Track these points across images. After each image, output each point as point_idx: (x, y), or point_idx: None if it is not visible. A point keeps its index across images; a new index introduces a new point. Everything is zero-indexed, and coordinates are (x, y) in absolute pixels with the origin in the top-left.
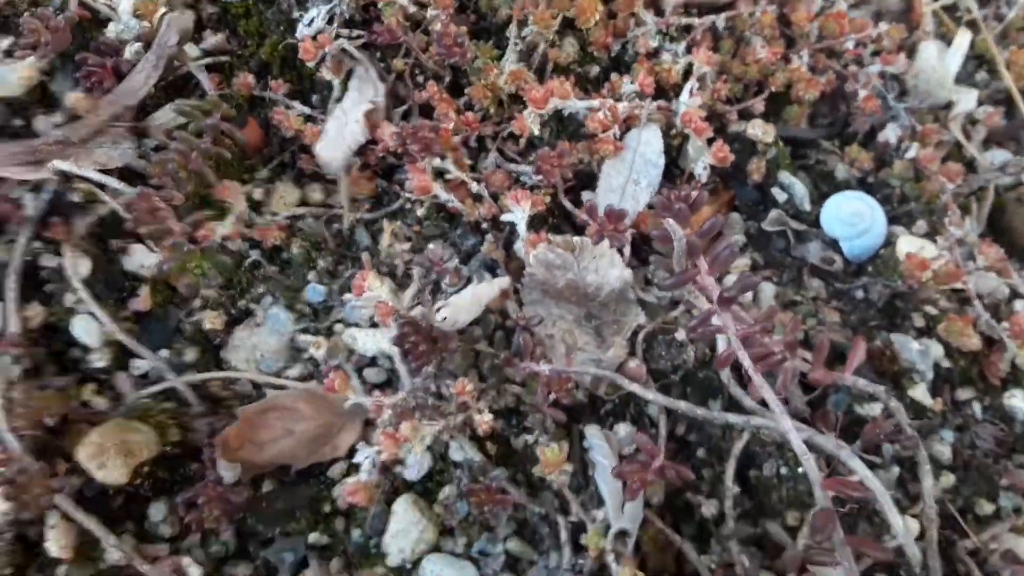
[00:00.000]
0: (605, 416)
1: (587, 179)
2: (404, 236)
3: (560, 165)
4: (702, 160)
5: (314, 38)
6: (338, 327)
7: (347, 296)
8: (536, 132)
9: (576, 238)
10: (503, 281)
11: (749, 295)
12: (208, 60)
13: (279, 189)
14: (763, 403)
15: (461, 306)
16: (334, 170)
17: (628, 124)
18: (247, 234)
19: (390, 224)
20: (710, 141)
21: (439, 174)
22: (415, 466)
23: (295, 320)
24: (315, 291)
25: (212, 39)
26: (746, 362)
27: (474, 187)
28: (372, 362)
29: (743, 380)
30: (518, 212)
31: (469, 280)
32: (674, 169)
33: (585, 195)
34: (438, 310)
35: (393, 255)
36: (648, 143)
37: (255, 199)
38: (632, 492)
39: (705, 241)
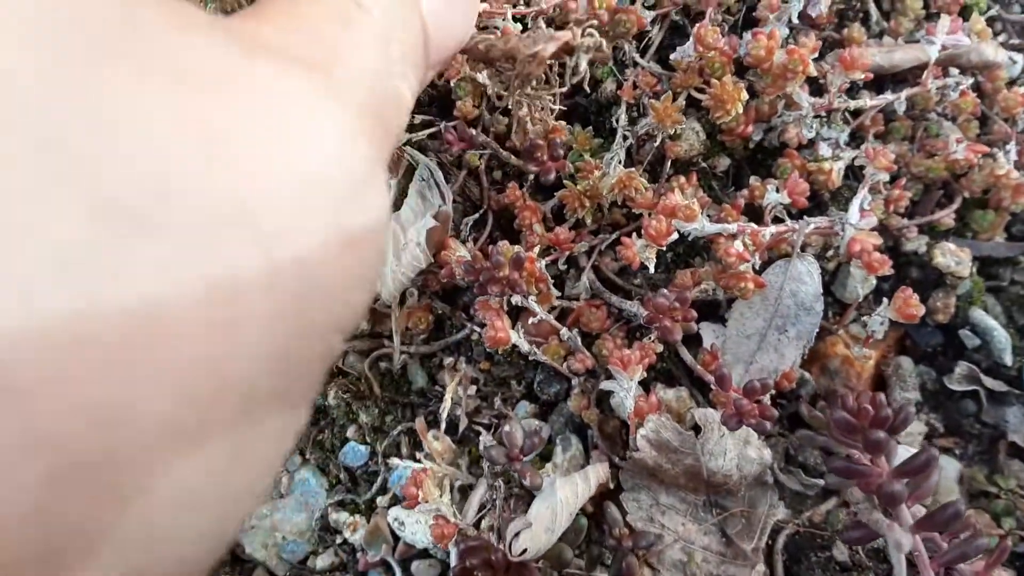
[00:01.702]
0: None
1: (710, 306)
2: (469, 377)
3: (683, 318)
4: (878, 316)
5: None
6: (381, 499)
7: (394, 461)
8: (651, 269)
9: (699, 412)
10: (600, 472)
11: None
12: None
13: None
14: None
15: (544, 523)
16: (384, 298)
17: (771, 246)
18: None
19: (451, 361)
20: (886, 277)
21: (517, 310)
22: None
23: (329, 489)
24: (355, 452)
25: None
26: None
27: (564, 333)
28: (423, 553)
29: None
30: (623, 380)
31: (551, 441)
32: (824, 296)
33: (706, 331)
34: (515, 536)
35: (456, 401)
36: (800, 280)
37: None
38: None
39: (908, 476)
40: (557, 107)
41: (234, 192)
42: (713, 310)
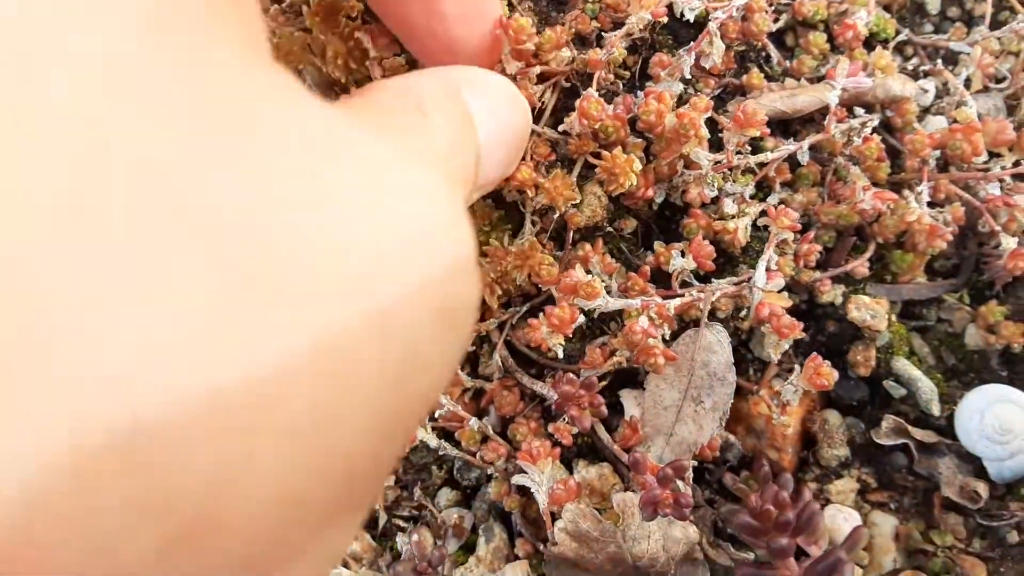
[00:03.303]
0: None
1: (629, 373)
2: None
3: (591, 404)
4: (791, 385)
5: None
6: None
7: None
8: (561, 353)
9: (617, 498)
10: (520, 573)
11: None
12: None
13: None
14: None
15: None
16: None
17: (680, 312)
18: None
19: None
20: (805, 328)
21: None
22: None
23: None
24: None
25: None
26: None
27: (473, 423)
28: None
29: None
30: (535, 474)
31: (474, 530)
32: (742, 350)
33: (627, 398)
34: None
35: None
36: (710, 350)
37: None
38: None
39: None
40: None
41: (344, 250)
42: (633, 376)
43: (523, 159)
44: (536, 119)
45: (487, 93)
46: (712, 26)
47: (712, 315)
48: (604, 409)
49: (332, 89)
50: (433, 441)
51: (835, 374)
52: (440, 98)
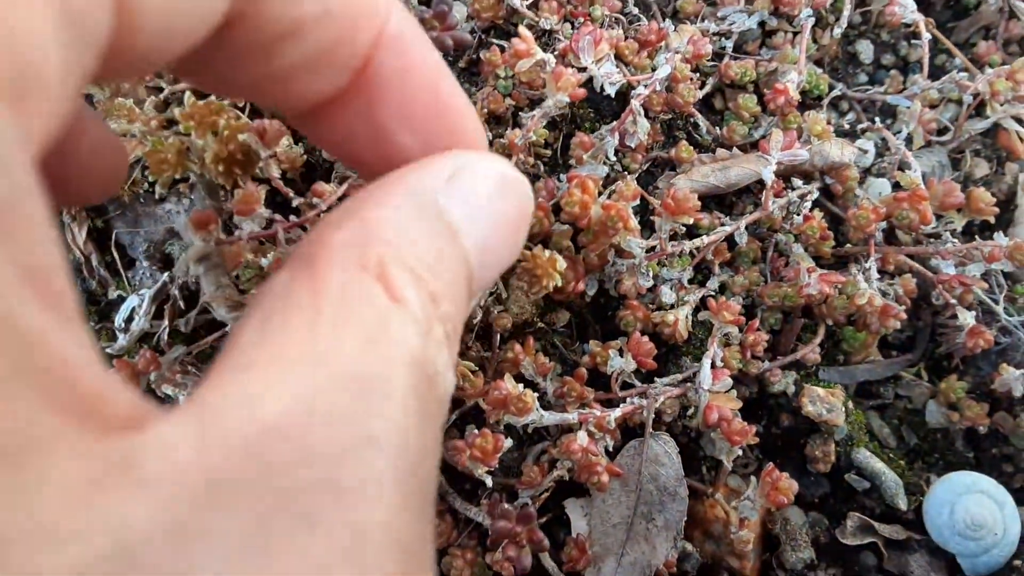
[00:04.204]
0: None
1: (572, 486)
2: None
3: (531, 539)
4: (747, 500)
5: (131, 355)
6: None
7: None
8: (489, 483)
9: None
10: None
11: None
12: None
13: None
14: None
15: None
16: None
17: (623, 419)
18: None
19: None
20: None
21: None
22: None
23: None
24: None
25: None
26: None
27: None
28: None
29: None
30: None
31: None
32: (693, 446)
33: (573, 509)
34: None
35: None
36: (658, 462)
37: None
38: None
39: None
40: None
41: None
42: (576, 486)
43: None
44: None
45: (472, 188)
46: (635, 104)
47: (658, 418)
48: (546, 542)
49: (217, 193)
50: None
51: (794, 487)
52: (407, 234)
